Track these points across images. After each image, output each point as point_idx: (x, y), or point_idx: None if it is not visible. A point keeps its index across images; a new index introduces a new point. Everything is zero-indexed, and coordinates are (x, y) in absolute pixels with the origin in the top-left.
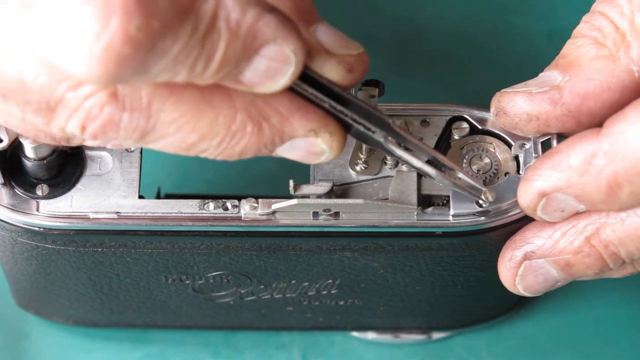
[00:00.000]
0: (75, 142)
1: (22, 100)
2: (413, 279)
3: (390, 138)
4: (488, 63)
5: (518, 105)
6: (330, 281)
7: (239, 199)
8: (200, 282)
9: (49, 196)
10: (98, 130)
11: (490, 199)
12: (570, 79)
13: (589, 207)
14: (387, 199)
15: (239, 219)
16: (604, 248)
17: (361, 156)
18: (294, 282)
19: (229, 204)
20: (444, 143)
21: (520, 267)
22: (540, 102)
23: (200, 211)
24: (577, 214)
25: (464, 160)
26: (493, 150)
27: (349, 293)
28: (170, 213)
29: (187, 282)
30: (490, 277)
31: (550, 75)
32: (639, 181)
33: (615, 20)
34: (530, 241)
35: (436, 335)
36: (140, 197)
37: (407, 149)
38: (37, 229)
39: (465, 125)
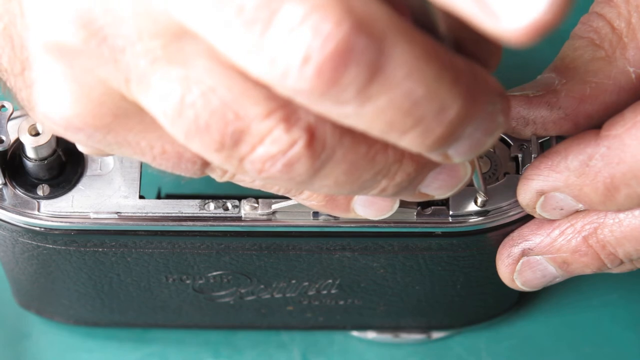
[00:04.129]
0: (219, 175)
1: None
2: (413, 278)
3: None
4: None
5: (515, 110)
6: (330, 281)
7: (240, 199)
8: (200, 282)
9: (50, 196)
10: (281, 168)
11: None
12: (566, 82)
13: (587, 207)
14: None
15: (239, 219)
16: (601, 248)
17: None
18: (294, 282)
19: (229, 204)
20: None
21: (518, 263)
22: (536, 106)
23: (201, 211)
24: (576, 212)
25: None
26: (492, 150)
27: (348, 293)
28: (171, 213)
29: (188, 282)
30: (490, 277)
31: (547, 78)
32: (635, 184)
33: (613, 20)
34: (528, 238)
35: (436, 334)
36: (141, 197)
37: None
38: (38, 229)
39: None
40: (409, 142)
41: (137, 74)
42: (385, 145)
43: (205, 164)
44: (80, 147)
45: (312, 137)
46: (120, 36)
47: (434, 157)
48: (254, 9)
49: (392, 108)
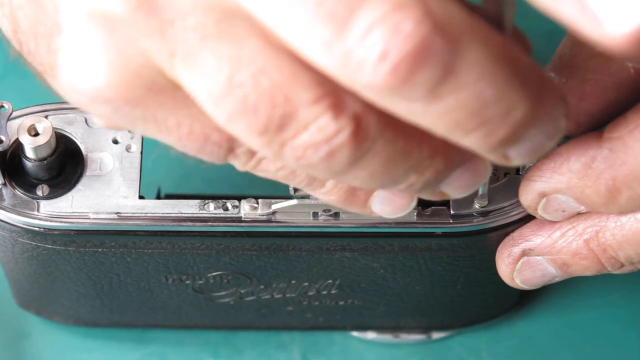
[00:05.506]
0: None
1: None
2: (413, 279)
3: None
4: None
5: None
6: (330, 281)
7: (239, 199)
8: (200, 282)
9: (50, 197)
10: (323, 157)
11: None
12: (566, 81)
13: (589, 209)
14: None
15: (239, 219)
16: (602, 252)
17: None
18: (294, 282)
19: (229, 204)
20: None
21: (518, 263)
22: None
23: (201, 211)
24: (578, 214)
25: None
26: None
27: (348, 293)
28: (171, 213)
29: (187, 282)
30: (490, 277)
31: None
32: (637, 186)
33: None
34: (529, 239)
35: (436, 335)
36: (141, 197)
37: None
38: (37, 229)
39: None
40: (472, 141)
41: (184, 49)
42: (420, 141)
43: (231, 150)
44: (99, 120)
45: (358, 127)
46: (171, 8)
47: (493, 157)
48: (334, 3)
49: (461, 108)
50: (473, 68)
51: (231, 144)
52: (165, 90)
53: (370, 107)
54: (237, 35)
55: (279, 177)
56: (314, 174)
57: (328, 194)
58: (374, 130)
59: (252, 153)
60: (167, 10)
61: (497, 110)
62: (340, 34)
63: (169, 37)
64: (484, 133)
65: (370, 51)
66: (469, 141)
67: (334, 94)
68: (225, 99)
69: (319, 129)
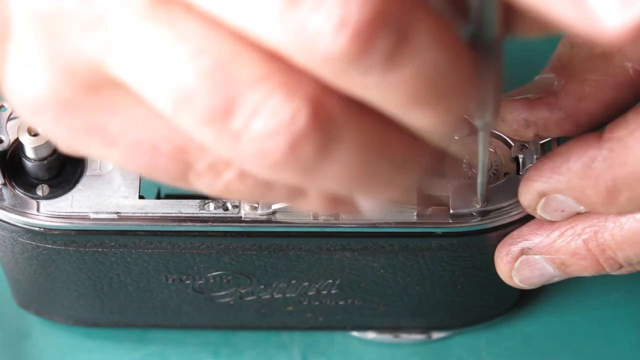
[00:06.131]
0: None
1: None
2: (413, 279)
3: None
4: None
5: (516, 112)
6: (330, 281)
7: None
8: (200, 282)
9: (50, 196)
10: (286, 148)
11: None
12: (565, 82)
13: (589, 209)
14: None
15: (239, 219)
16: (601, 252)
17: None
18: (294, 282)
19: (229, 204)
20: None
21: (516, 261)
22: (537, 108)
23: (201, 211)
24: (578, 215)
25: (464, 161)
26: (493, 151)
27: (349, 293)
28: (171, 213)
29: (187, 282)
30: (490, 277)
31: (545, 79)
32: (637, 187)
33: None
34: (527, 238)
35: (436, 335)
36: (141, 197)
37: None
38: (37, 229)
39: None
40: (432, 114)
41: (119, 38)
42: (401, 132)
43: (187, 166)
44: (57, 141)
45: (318, 110)
46: None
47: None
48: None
49: (416, 77)
50: (425, 33)
51: (185, 157)
52: (104, 90)
53: (330, 90)
54: (172, 17)
55: (256, 195)
56: (286, 178)
57: (313, 204)
58: (340, 114)
59: (215, 170)
60: (99, 0)
61: (452, 79)
62: (291, 4)
63: (103, 27)
64: (444, 108)
65: (327, 19)
66: (429, 116)
67: (284, 72)
68: (165, 86)
69: (272, 113)
